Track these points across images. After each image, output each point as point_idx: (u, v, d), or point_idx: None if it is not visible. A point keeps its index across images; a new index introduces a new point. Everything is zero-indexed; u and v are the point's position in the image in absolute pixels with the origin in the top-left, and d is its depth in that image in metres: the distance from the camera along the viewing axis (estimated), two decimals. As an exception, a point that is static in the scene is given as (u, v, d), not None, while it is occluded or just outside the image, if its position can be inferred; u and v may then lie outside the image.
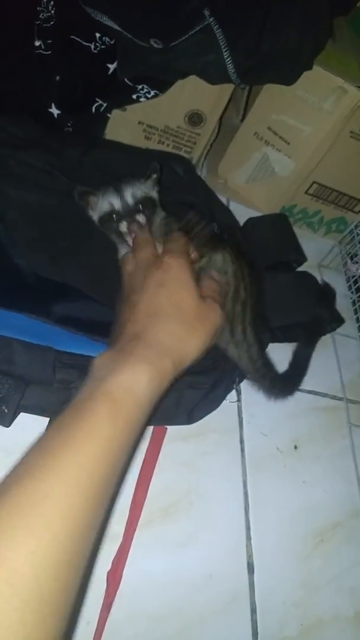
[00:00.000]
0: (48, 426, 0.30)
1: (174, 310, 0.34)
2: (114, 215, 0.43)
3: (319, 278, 0.60)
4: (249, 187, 0.69)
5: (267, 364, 0.48)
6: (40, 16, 0.50)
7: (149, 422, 0.33)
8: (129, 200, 0.43)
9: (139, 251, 0.40)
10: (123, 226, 0.43)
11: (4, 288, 0.42)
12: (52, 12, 0.49)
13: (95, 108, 0.57)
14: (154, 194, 0.46)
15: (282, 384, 0.50)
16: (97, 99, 0.56)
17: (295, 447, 0.51)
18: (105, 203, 0.44)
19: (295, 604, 0.42)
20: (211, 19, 0.46)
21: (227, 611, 0.40)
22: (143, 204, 0.43)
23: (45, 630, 0.20)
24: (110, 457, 0.26)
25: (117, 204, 0.43)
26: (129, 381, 0.29)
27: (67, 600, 0.22)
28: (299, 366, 0.52)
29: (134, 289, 0.37)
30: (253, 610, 0.40)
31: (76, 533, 0.22)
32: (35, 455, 0.25)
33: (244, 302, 0.45)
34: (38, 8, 0.49)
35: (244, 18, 0.47)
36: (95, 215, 0.45)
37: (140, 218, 0.42)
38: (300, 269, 0.60)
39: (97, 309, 0.45)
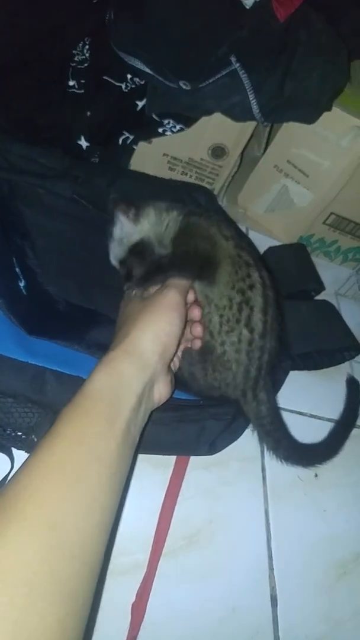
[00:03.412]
0: None
1: (122, 321, 0.39)
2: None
3: (336, 306, 0.61)
4: (268, 217, 0.71)
5: (276, 423, 0.46)
6: (76, 58, 0.53)
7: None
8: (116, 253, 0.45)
9: None
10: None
11: (35, 316, 0.44)
12: (87, 55, 0.52)
13: (122, 140, 0.60)
14: (132, 232, 0.44)
15: (294, 450, 0.47)
16: (125, 132, 0.59)
17: (316, 476, 0.51)
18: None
19: (319, 638, 0.42)
20: (237, 65, 0.48)
21: (251, 645, 0.39)
22: (131, 255, 0.44)
23: (38, 614, 0.20)
24: (81, 450, 0.27)
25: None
26: (84, 389, 0.31)
27: (63, 585, 0.22)
28: (326, 445, 0.50)
29: None
30: (277, 645, 0.40)
31: (58, 522, 0.23)
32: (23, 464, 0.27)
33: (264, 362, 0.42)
34: (74, 51, 0.52)
35: (268, 64, 0.49)
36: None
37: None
38: (318, 297, 0.62)
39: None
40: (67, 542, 0.23)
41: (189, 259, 0.42)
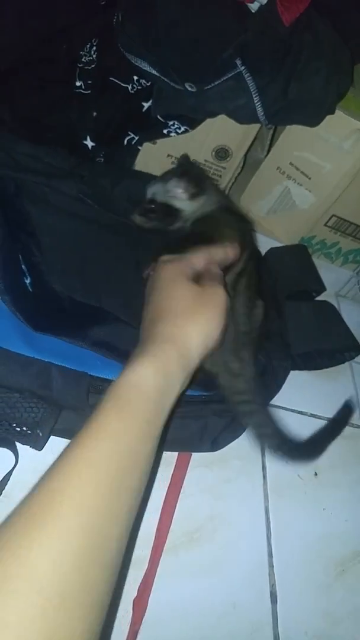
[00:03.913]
0: None
1: (168, 304, 0.35)
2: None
3: (336, 307, 0.62)
4: (270, 218, 0.71)
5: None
6: (83, 59, 0.53)
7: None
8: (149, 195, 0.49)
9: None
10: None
11: (42, 313, 0.44)
12: (94, 56, 0.53)
13: (128, 141, 0.60)
14: (179, 202, 0.48)
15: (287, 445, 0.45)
16: (130, 133, 0.60)
17: (316, 474, 0.52)
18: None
19: (317, 635, 0.42)
20: (242, 68, 0.49)
21: (251, 641, 0.40)
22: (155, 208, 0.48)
23: (70, 625, 0.20)
24: (123, 451, 0.26)
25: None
26: (132, 378, 0.29)
27: (93, 595, 0.21)
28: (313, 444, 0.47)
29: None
30: (277, 641, 0.40)
31: (94, 527, 0.22)
32: (54, 462, 0.25)
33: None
34: (81, 52, 0.53)
35: (273, 67, 0.50)
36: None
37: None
38: (319, 298, 0.62)
39: (131, 334, 0.46)
40: (102, 548, 0.22)
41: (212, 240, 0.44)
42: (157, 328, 0.34)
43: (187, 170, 0.50)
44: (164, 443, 0.33)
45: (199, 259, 0.40)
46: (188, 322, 0.34)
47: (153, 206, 0.49)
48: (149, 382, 0.29)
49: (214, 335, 0.35)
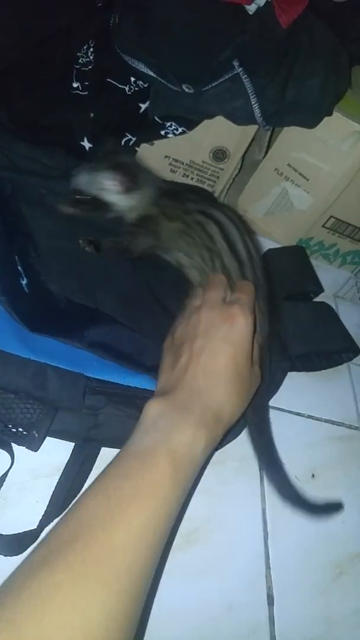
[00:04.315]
0: (110, 468, 0.30)
1: (232, 372, 0.34)
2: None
3: (334, 308, 0.62)
4: (267, 220, 0.71)
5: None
6: (80, 61, 0.53)
7: None
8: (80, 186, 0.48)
9: (211, 290, 0.40)
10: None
11: (38, 313, 0.44)
12: (91, 57, 0.53)
13: (125, 142, 0.60)
14: (111, 196, 0.48)
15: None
16: (127, 134, 0.60)
17: (313, 476, 0.52)
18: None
19: (314, 637, 0.42)
20: (240, 69, 0.49)
21: (248, 644, 0.40)
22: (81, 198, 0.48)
23: None
24: (170, 514, 0.26)
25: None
26: (190, 444, 0.30)
27: (119, 632, 0.22)
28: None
29: (195, 331, 0.36)
30: (273, 644, 0.40)
31: (138, 585, 0.23)
32: (103, 504, 0.25)
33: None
34: (78, 53, 0.53)
35: (271, 68, 0.50)
36: None
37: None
38: (316, 299, 0.62)
39: (127, 335, 0.46)
40: (130, 596, 0.23)
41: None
42: (215, 391, 0.33)
43: (120, 162, 0.49)
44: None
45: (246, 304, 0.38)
46: (238, 401, 0.34)
47: (82, 197, 0.48)
48: (199, 455, 0.30)
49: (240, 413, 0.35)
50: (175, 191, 0.52)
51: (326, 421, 0.57)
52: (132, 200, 0.49)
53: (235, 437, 0.48)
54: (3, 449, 0.39)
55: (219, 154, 0.62)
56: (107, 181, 0.48)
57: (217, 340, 0.35)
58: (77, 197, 0.49)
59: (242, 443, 0.49)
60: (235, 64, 0.48)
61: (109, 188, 0.48)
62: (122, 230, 0.51)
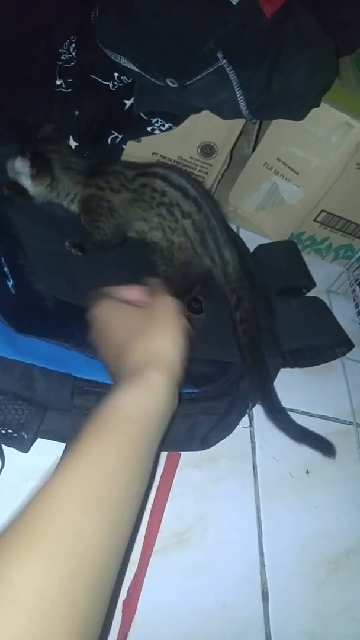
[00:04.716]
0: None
1: (124, 335, 0.35)
2: None
3: (327, 303, 0.61)
4: (258, 215, 0.71)
5: (242, 281, 0.50)
6: (62, 57, 0.53)
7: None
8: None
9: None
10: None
11: (24, 314, 0.44)
12: (73, 53, 0.52)
13: (111, 140, 0.60)
14: (24, 181, 0.49)
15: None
16: (113, 132, 0.59)
17: (307, 472, 0.51)
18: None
19: (310, 633, 0.42)
20: (224, 61, 0.48)
21: (243, 641, 0.39)
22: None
23: None
24: (108, 474, 0.26)
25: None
26: (111, 402, 0.29)
27: (83, 617, 0.21)
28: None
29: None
30: (268, 640, 0.40)
31: (81, 550, 0.22)
32: (42, 484, 0.25)
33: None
34: (60, 50, 0.52)
35: (255, 60, 0.49)
36: None
37: None
38: (309, 294, 0.62)
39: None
40: (88, 570, 0.22)
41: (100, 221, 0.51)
42: (126, 359, 0.33)
43: (34, 149, 0.50)
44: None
45: (131, 291, 0.40)
46: (150, 338, 0.34)
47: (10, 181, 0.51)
48: (129, 404, 0.29)
49: (182, 332, 0.35)
50: (104, 165, 0.53)
51: (320, 417, 0.57)
52: (41, 187, 0.51)
53: (228, 435, 0.47)
54: (-7, 451, 0.38)
55: (207, 150, 0.62)
56: (18, 165, 0.49)
57: (99, 334, 0.38)
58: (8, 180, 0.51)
59: (235, 442, 0.49)
60: (220, 55, 0.48)
61: (21, 172, 0.49)
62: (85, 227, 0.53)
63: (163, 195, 0.48)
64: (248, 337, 0.49)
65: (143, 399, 0.30)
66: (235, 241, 0.56)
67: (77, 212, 0.53)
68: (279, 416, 0.46)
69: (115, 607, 0.36)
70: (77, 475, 0.25)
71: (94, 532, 0.23)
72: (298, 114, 0.56)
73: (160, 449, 0.32)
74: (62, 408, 0.41)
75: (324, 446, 0.47)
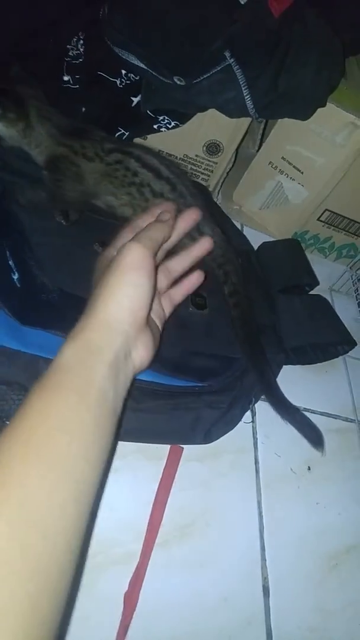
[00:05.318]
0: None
1: (95, 283, 0.36)
2: None
3: (330, 302, 0.62)
4: (262, 213, 0.71)
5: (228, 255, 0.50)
6: (70, 53, 0.53)
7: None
8: None
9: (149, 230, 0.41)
10: None
11: (29, 306, 0.44)
12: (82, 50, 0.53)
13: (118, 137, 0.60)
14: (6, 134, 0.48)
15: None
16: (120, 128, 0.60)
17: (309, 468, 0.52)
18: None
19: (311, 628, 0.42)
20: (232, 60, 0.49)
21: (243, 636, 0.39)
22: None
23: (7, 589, 0.20)
24: (53, 425, 0.26)
25: None
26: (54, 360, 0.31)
27: (33, 562, 0.21)
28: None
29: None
30: (269, 635, 0.40)
31: (35, 494, 0.23)
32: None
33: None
34: (68, 46, 0.52)
35: (263, 59, 0.50)
36: None
37: None
38: (312, 292, 0.62)
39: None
40: (37, 518, 0.23)
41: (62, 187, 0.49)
42: (85, 312, 0.34)
43: (6, 88, 0.47)
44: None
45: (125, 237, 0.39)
46: (100, 293, 0.33)
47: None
48: (66, 357, 0.30)
49: (129, 292, 0.33)
50: (84, 130, 0.51)
51: (322, 414, 0.57)
52: (12, 129, 0.48)
53: (231, 429, 0.48)
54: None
55: (213, 148, 0.62)
56: None
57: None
58: None
59: (238, 437, 0.49)
60: (227, 54, 0.48)
61: None
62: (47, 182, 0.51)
63: (134, 176, 0.48)
64: (238, 310, 0.48)
65: (81, 354, 0.31)
66: (226, 226, 0.55)
67: (41, 166, 0.51)
68: (274, 392, 0.47)
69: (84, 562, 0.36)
70: (19, 430, 0.26)
71: (39, 480, 0.24)
72: (304, 114, 0.56)
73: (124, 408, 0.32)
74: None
75: (314, 437, 0.46)
